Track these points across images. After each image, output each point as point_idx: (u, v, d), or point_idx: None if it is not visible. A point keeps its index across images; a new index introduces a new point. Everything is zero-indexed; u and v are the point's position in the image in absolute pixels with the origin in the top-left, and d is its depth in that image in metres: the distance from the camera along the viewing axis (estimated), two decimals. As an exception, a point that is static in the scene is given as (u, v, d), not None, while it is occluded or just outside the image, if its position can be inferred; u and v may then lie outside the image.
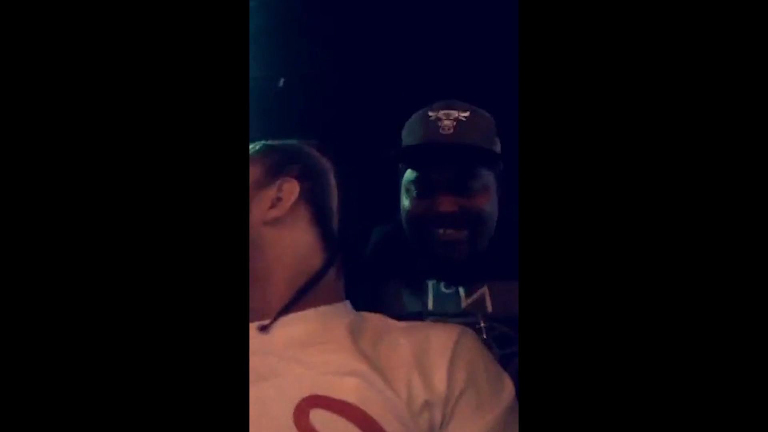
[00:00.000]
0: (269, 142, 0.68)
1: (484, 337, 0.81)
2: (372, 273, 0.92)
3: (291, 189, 0.61)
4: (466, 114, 0.86)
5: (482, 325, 0.83)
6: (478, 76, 1.23)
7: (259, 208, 0.60)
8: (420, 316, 0.85)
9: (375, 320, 0.61)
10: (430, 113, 0.87)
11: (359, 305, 0.85)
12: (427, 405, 0.51)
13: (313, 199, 0.63)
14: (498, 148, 0.90)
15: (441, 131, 0.84)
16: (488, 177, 0.86)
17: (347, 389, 0.49)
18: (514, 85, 0.46)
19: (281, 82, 1.27)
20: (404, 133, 0.92)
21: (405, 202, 0.88)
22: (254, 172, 0.62)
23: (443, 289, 0.89)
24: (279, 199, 0.61)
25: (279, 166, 0.63)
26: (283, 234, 0.60)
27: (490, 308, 0.85)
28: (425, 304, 0.88)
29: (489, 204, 0.86)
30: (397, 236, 0.92)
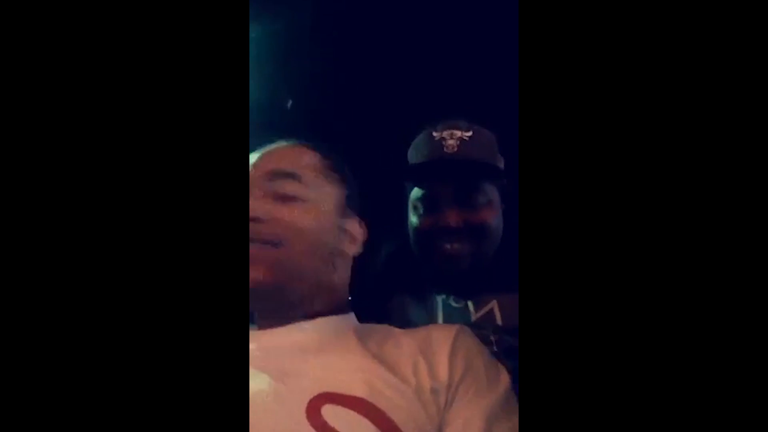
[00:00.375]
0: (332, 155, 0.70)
1: (495, 350, 0.81)
2: (381, 289, 0.93)
3: (364, 234, 0.69)
4: (469, 133, 0.89)
5: (492, 338, 0.83)
6: (479, 89, 1.25)
7: (332, 234, 0.64)
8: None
9: (379, 327, 0.65)
10: (434, 133, 0.90)
11: (368, 320, 0.85)
12: (434, 391, 0.54)
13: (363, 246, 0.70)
14: (501, 164, 0.92)
15: (445, 150, 0.87)
16: (492, 191, 0.88)
17: (357, 385, 0.52)
18: (515, 95, 0.46)
19: (289, 103, 1.29)
20: (410, 153, 0.94)
21: (413, 218, 0.90)
22: (337, 193, 0.66)
23: (453, 304, 0.89)
24: (353, 237, 0.67)
25: (354, 200, 0.69)
26: (337, 266, 0.65)
27: (499, 321, 0.86)
28: (434, 318, 0.88)
29: (494, 218, 0.87)
30: (405, 252, 0.93)
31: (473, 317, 0.87)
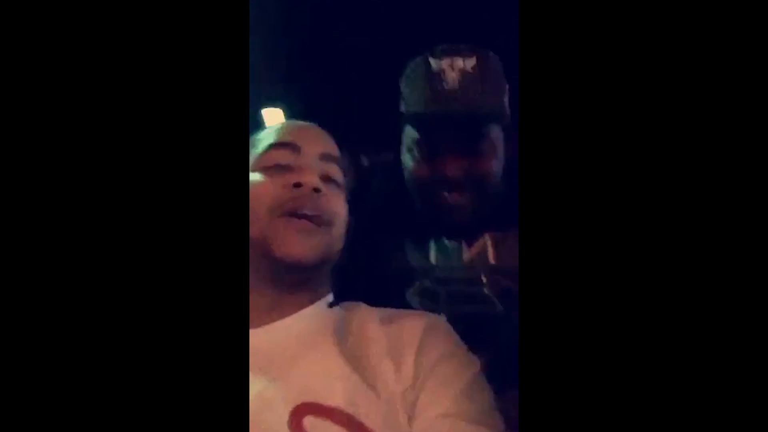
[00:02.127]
0: None
1: (486, 292, 0.82)
2: (375, 229, 0.92)
3: None
4: (473, 62, 0.81)
5: (484, 279, 0.84)
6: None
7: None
8: (425, 272, 0.86)
9: (357, 317, 0.64)
10: (432, 62, 0.82)
11: (362, 264, 0.85)
12: (403, 393, 0.55)
13: None
14: (506, 93, 0.86)
15: (446, 86, 0.80)
16: (495, 132, 0.84)
17: (336, 394, 0.53)
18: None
19: None
20: (403, 86, 0.87)
21: (408, 161, 0.86)
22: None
23: (446, 243, 0.88)
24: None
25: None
26: None
27: (492, 260, 0.85)
28: (428, 258, 0.88)
29: (495, 162, 0.84)
30: (397, 191, 0.91)
31: (466, 256, 0.87)
